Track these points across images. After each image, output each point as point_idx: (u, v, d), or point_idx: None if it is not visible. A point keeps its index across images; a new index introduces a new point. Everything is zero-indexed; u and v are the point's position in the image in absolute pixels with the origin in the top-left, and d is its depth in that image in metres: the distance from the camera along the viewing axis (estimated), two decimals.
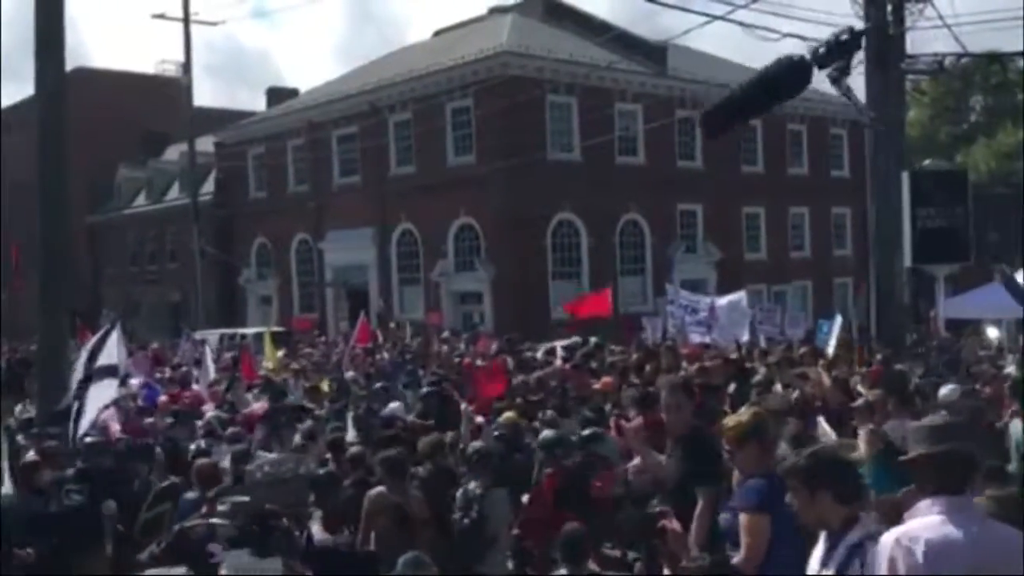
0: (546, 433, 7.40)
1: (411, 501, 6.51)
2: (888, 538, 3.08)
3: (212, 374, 14.23)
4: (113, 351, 9.91)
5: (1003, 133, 43.79)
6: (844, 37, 2.61)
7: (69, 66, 11.87)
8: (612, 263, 29.36)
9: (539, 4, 33.00)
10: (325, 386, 12.32)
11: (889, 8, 12.66)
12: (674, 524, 3.65)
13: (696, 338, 14.76)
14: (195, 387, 13.62)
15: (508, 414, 8.19)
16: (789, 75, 2.71)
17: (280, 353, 17.68)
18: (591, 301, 17.54)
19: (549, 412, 8.63)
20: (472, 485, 6.39)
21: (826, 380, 9.37)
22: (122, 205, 44.93)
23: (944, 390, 8.48)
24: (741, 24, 12.55)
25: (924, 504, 3.08)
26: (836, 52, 2.57)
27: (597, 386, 10.44)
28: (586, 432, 7.64)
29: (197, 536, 5.42)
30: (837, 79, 2.62)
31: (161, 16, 31.89)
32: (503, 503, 6.27)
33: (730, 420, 4.69)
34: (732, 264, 31.24)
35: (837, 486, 3.28)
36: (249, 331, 27.00)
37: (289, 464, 7.21)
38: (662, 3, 13.12)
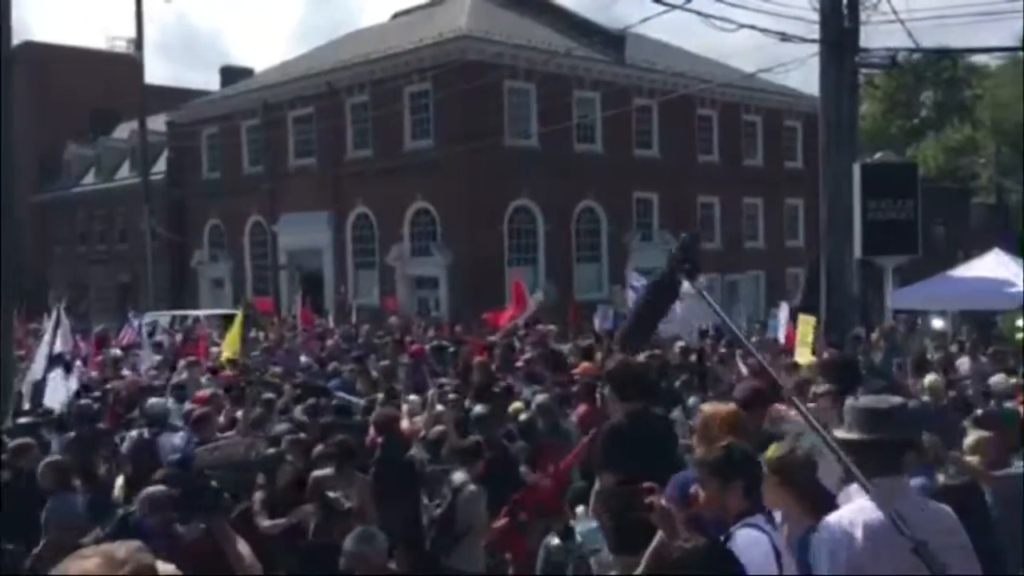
0: (478, 408, 7.48)
1: (357, 489, 6.46)
2: (826, 525, 3.09)
3: (152, 358, 14.01)
4: (59, 338, 9.86)
5: (951, 128, 44.76)
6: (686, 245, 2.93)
7: (16, 40, 11.55)
8: (568, 250, 29.47)
9: None
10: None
11: (844, 1, 12.82)
12: (661, 500, 3.62)
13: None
14: (127, 372, 13.32)
15: (517, 404, 8.17)
16: (664, 292, 3.04)
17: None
18: (512, 305, 17.20)
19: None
20: (457, 476, 6.37)
21: (743, 369, 9.59)
22: (70, 183, 44.01)
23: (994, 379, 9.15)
24: (699, 14, 12.60)
25: (855, 488, 3.10)
26: (686, 257, 2.88)
27: (577, 371, 10.47)
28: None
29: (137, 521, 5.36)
30: (689, 275, 2.87)
31: None
32: (479, 499, 6.27)
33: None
34: None
35: (748, 479, 3.35)
36: (201, 313, 26.66)
37: (240, 448, 7.20)
38: None
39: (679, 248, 3.23)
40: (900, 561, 2.82)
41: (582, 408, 8.34)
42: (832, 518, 3.08)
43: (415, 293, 28.59)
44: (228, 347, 13.82)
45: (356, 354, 13.89)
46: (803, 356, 10.40)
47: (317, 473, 6.59)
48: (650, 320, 3.11)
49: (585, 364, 10.74)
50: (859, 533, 2.95)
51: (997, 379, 9.48)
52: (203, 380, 11.70)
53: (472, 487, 6.23)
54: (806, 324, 10.97)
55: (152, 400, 9.71)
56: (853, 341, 11.83)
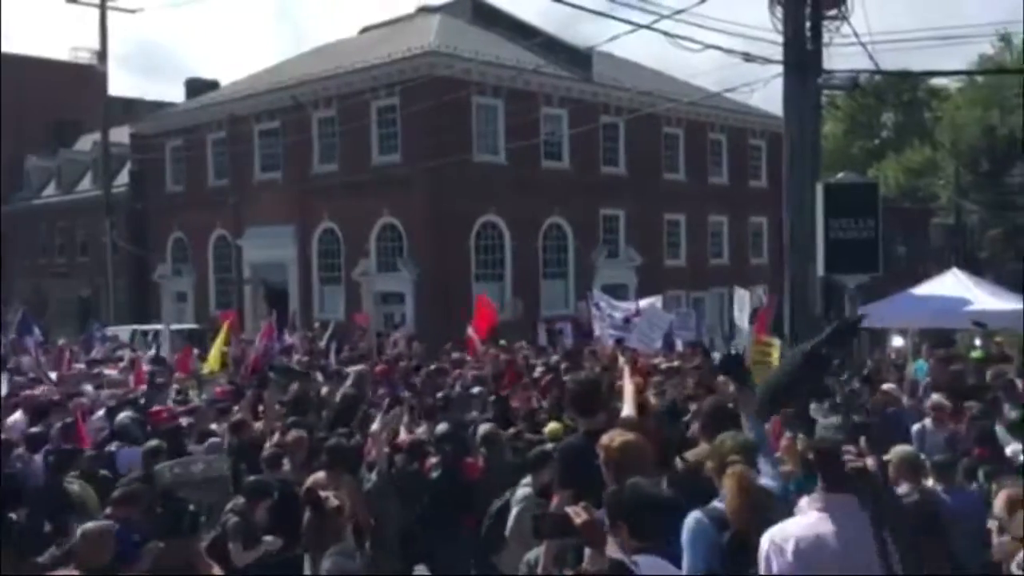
0: (441, 426, 7.48)
1: (346, 490, 6.54)
2: (765, 537, 3.13)
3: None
4: None
5: (912, 150, 45.55)
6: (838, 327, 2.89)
7: None
8: (535, 266, 29.52)
9: (467, 5, 33.01)
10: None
11: (807, 24, 13.00)
12: (584, 515, 3.57)
13: (611, 341, 14.89)
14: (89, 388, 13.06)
15: (553, 425, 7.96)
16: (812, 369, 2.99)
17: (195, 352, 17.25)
18: (482, 318, 17.01)
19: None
20: (523, 482, 6.39)
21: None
22: (31, 195, 43.39)
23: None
24: (665, 34, 12.70)
25: (803, 501, 3.13)
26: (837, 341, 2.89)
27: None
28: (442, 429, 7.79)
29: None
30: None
31: (75, 1, 30.92)
32: (531, 507, 6.29)
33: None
34: (652, 270, 31.71)
35: (635, 520, 3.32)
36: (163, 327, 26.28)
37: (200, 465, 7.11)
38: (589, 10, 13.26)
39: (836, 330, 3.19)
40: None
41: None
42: (773, 529, 3.13)
43: (381, 309, 28.44)
44: (212, 361, 13.73)
45: (332, 370, 13.85)
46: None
47: (312, 477, 6.77)
48: (789, 393, 3.08)
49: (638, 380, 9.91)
50: (790, 547, 3.00)
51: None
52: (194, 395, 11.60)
53: (526, 491, 6.23)
54: (769, 345, 10.64)
55: (121, 415, 9.65)
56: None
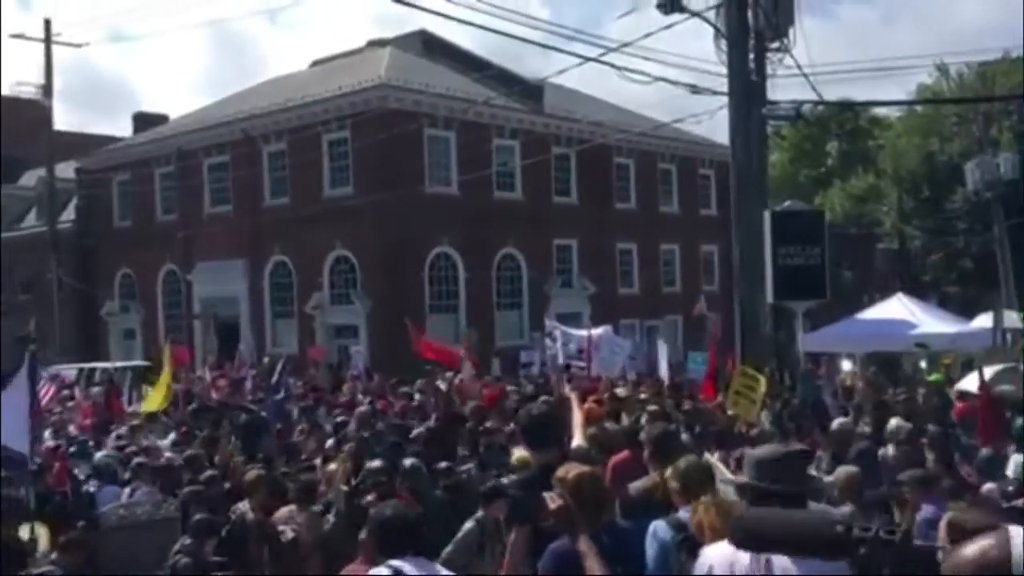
0: (407, 461, 7.42)
1: (305, 523, 6.49)
2: (703, 551, 3.27)
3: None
4: None
5: (856, 177, 46.52)
6: None
7: None
8: (489, 297, 29.52)
9: (417, 39, 33.18)
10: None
11: (751, 57, 13.31)
12: (559, 500, 3.70)
13: (560, 368, 14.96)
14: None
15: (520, 454, 7.74)
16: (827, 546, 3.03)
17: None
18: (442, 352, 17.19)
19: None
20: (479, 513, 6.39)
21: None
22: None
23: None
24: (612, 66, 12.94)
25: None
26: None
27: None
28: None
29: None
30: None
31: (20, 36, 30.53)
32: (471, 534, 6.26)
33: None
34: (606, 298, 31.89)
35: (376, 539, 3.90)
36: (109, 365, 25.77)
37: (146, 507, 6.96)
38: (539, 44, 13.43)
39: None
40: None
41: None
42: (712, 546, 3.24)
43: (335, 342, 28.19)
44: (155, 402, 13.26)
45: (303, 404, 13.77)
46: (748, 412, 9.57)
47: (279, 512, 6.78)
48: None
49: (591, 406, 8.92)
50: (703, 569, 3.14)
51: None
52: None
53: (469, 524, 6.22)
54: (754, 380, 9.75)
55: (99, 454, 9.52)
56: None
